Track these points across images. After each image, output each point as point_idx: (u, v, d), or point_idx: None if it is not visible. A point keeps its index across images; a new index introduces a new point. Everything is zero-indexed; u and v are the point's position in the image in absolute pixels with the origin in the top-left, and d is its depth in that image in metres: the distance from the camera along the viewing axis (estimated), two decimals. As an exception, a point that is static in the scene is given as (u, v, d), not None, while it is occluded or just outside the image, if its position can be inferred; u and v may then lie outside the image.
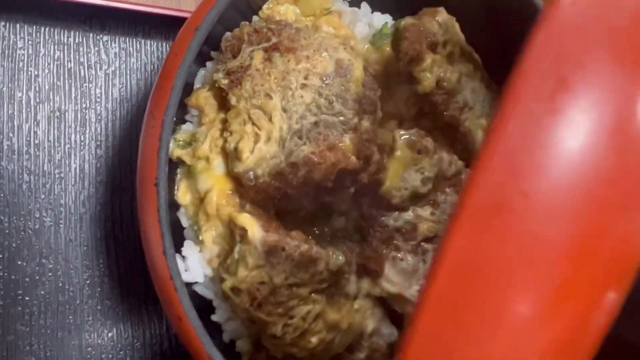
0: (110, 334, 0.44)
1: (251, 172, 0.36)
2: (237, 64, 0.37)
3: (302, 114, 0.36)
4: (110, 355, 0.44)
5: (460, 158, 0.43)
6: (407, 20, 0.42)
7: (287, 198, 0.36)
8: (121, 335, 0.44)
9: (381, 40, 0.43)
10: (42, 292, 0.42)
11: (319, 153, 0.35)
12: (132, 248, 0.44)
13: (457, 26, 0.44)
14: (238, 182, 0.37)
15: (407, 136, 0.40)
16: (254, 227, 0.35)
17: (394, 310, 0.42)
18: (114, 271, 0.44)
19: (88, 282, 0.43)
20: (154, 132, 0.31)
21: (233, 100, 0.37)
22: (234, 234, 0.36)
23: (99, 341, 0.44)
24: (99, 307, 0.43)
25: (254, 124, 0.36)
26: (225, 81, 0.37)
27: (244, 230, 0.35)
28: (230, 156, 0.36)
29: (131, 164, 0.45)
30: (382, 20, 0.43)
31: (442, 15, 0.42)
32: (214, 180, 0.37)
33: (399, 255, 0.39)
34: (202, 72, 0.39)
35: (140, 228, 0.32)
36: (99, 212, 0.44)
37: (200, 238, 0.37)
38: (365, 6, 0.43)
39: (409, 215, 0.40)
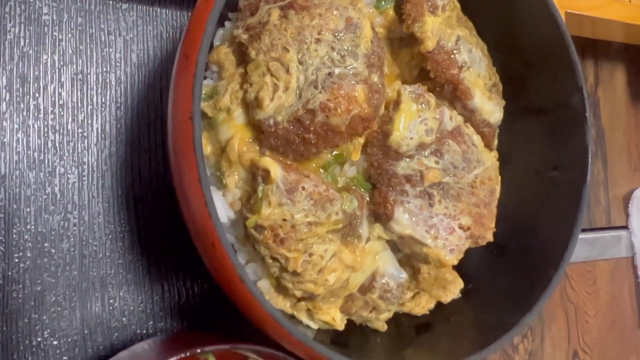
0: (131, 287, 0.46)
1: (271, 119, 0.39)
2: (256, 20, 0.39)
3: (317, 66, 0.39)
4: (131, 308, 0.46)
5: (459, 114, 0.47)
6: (410, -15, 0.45)
7: (305, 143, 0.39)
8: (141, 289, 0.46)
9: (385, 5, 0.46)
10: (67, 246, 0.44)
11: (334, 100, 0.38)
12: (150, 205, 0.47)
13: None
14: (258, 130, 0.39)
15: (410, 90, 0.43)
16: (275, 167, 0.38)
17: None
18: (134, 227, 0.46)
19: (110, 237, 0.45)
20: (188, 71, 0.33)
21: (252, 54, 0.39)
22: (256, 176, 0.39)
23: (121, 293, 0.45)
24: (120, 261, 0.45)
25: (272, 75, 0.39)
26: (245, 36, 0.39)
27: (266, 172, 0.38)
28: (251, 105, 0.39)
29: (149, 125, 0.47)
30: (385, -13, 0.47)
31: (441, -18, 0.46)
32: (234, 130, 0.40)
33: (407, 199, 0.42)
34: (220, 32, 0.42)
35: (172, 163, 0.35)
36: (119, 170, 0.46)
37: (224, 182, 0.39)
38: (369, -26, 0.46)
39: (415, 163, 0.42)
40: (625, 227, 0.75)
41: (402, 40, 0.47)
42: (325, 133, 0.39)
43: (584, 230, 0.72)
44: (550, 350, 0.69)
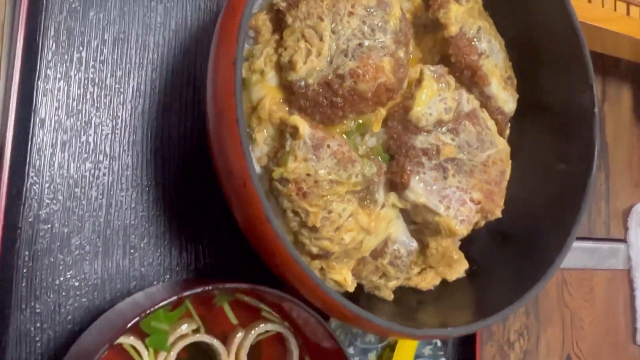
0: (152, 240, 0.48)
1: (303, 81, 0.41)
2: (296, -10, 0.42)
3: (349, 36, 0.42)
4: (150, 259, 0.47)
5: (476, 100, 0.49)
6: (437, -26, 0.48)
7: (332, 106, 0.41)
8: (161, 242, 0.48)
9: (413, -9, 0.49)
10: (95, 194, 0.46)
11: (362, 67, 0.41)
12: (175, 165, 0.49)
13: (477, -10, 0.51)
14: (289, 92, 0.42)
15: (433, 70, 0.46)
16: (304, 124, 0.40)
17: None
18: (159, 183, 0.48)
19: (136, 189, 0.47)
20: (234, 19, 0.36)
21: (289, 20, 0.42)
22: (284, 133, 0.41)
23: (142, 244, 0.47)
24: (144, 214, 0.47)
25: (306, 41, 0.41)
26: (284, 4, 0.42)
27: (294, 128, 0.40)
28: (285, 68, 0.42)
29: (181, 88, 0.50)
30: (414, -25, 0.50)
31: (466, -26, 0.49)
32: (266, 91, 0.42)
33: (423, 170, 0.44)
34: (259, 1, 0.45)
35: (211, 108, 0.37)
36: (150, 128, 0.48)
37: (253, 137, 0.41)
38: (400, -37, 0.49)
39: (432, 138, 0.45)
40: (624, 240, 0.77)
41: (426, 27, 0.50)
42: (352, 98, 0.41)
43: (584, 239, 0.75)
44: (544, 351, 0.71)
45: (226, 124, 0.35)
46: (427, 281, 0.50)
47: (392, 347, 0.55)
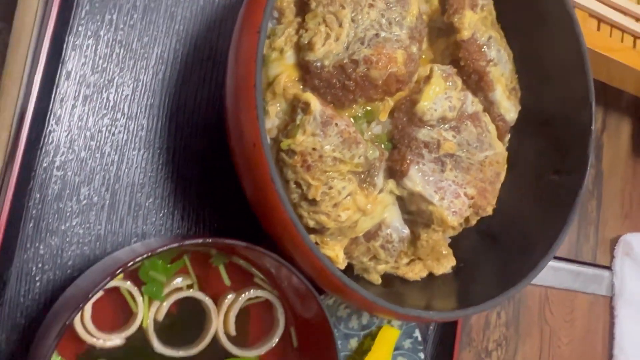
0: (157, 201, 0.50)
1: (319, 62, 0.43)
2: (321, -22, 0.45)
3: (367, 26, 0.44)
4: (153, 219, 0.49)
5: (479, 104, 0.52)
6: (457, -19, 0.51)
7: (344, 89, 0.44)
8: (165, 204, 0.50)
9: (432, -5, 0.51)
10: (109, 149, 0.48)
11: (376, 55, 0.43)
12: (188, 134, 0.51)
13: (492, 1, 0.54)
14: (305, 71, 0.44)
15: (442, 69, 0.48)
16: (315, 101, 0.43)
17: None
18: (170, 148, 0.50)
19: (148, 150, 0.49)
20: (263, -6, 0.38)
21: (313, 5, 0.44)
22: (296, 109, 0.43)
23: (147, 203, 0.49)
24: (152, 174, 0.50)
25: (327, 25, 0.44)
26: (310, -11, 0.45)
27: (306, 104, 0.43)
28: (303, 48, 0.44)
29: (202, 62, 0.52)
30: (435, -20, 0.52)
31: (484, -16, 0.52)
32: (284, 68, 0.45)
33: (423, 161, 0.47)
34: (286, -15, 0.48)
35: (231, 71, 0.39)
36: (168, 95, 0.51)
37: (266, 109, 0.44)
38: (422, -33, 0.52)
39: (434, 133, 0.47)
40: (609, 268, 0.79)
41: (440, 31, 0.52)
42: (363, 83, 0.44)
43: (570, 261, 0.77)
44: (520, 364, 0.72)
45: (244, 88, 0.37)
46: (415, 272, 0.52)
47: (373, 336, 0.57)
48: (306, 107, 0.43)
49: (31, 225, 0.46)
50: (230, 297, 0.45)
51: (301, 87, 0.45)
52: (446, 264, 0.52)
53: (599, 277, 0.79)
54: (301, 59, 0.44)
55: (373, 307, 0.42)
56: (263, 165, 0.37)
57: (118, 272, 0.36)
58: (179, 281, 0.43)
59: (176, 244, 0.38)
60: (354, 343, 0.57)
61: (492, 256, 0.54)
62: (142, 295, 0.42)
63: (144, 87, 0.50)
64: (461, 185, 0.47)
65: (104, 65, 0.48)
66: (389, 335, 0.57)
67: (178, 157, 0.51)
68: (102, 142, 0.48)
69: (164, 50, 0.51)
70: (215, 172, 0.52)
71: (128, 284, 0.41)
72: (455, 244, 0.54)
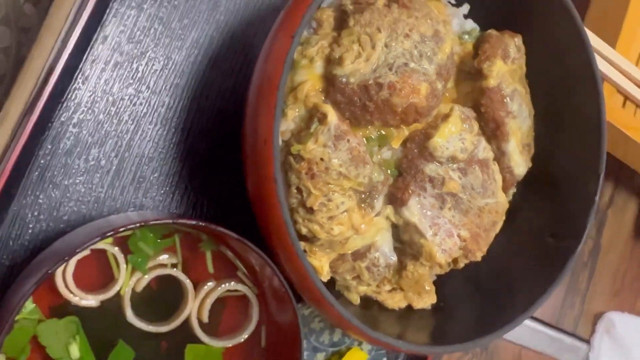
0: (161, 177, 0.50)
1: (345, 78, 0.44)
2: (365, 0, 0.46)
3: (398, 54, 0.45)
4: (154, 193, 0.50)
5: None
6: (493, 31, 0.52)
7: (363, 109, 0.45)
8: (168, 182, 0.51)
9: (467, 39, 0.52)
10: (127, 117, 0.49)
11: (401, 83, 0.44)
12: (206, 119, 0.52)
13: (524, 57, 0.55)
14: (329, 84, 0.45)
15: (462, 110, 0.49)
16: (333, 114, 0.44)
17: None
18: (186, 129, 0.51)
19: (164, 127, 0.50)
20: (305, 2, 0.39)
21: (351, 23, 0.46)
22: (313, 117, 0.44)
23: (151, 177, 0.50)
24: (162, 150, 0.50)
25: (360, 45, 0.45)
26: (351, 7, 0.46)
27: (323, 115, 0.44)
28: (333, 62, 0.45)
29: (234, 54, 0.53)
30: (472, 26, 0.53)
31: (519, 40, 0.53)
32: (310, 76, 0.46)
33: (424, 194, 0.47)
34: (330, 0, 0.49)
35: (260, 70, 0.40)
36: (195, 78, 0.52)
37: (285, 111, 0.45)
38: (463, 9, 0.53)
39: (442, 170, 0.48)
40: (587, 341, 0.79)
41: (468, 74, 0.53)
42: (383, 107, 0.45)
43: (550, 326, 0.77)
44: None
45: (268, 86, 0.38)
46: (395, 301, 0.52)
47: (341, 355, 0.58)
48: (323, 118, 0.44)
49: (36, 173, 0.47)
50: (210, 284, 0.46)
51: (323, 98, 0.46)
52: (427, 300, 0.53)
53: (575, 348, 0.79)
54: (328, 71, 0.45)
55: (346, 324, 0.43)
56: (269, 162, 0.38)
57: (110, 234, 0.36)
58: (164, 258, 0.44)
59: (170, 221, 0.38)
60: (320, 357, 0.57)
61: (473, 302, 0.54)
62: (127, 263, 0.43)
63: (174, 66, 0.51)
64: (456, 226, 0.48)
65: (140, 38, 0.50)
66: (358, 357, 0.57)
67: (191, 140, 0.52)
68: (122, 109, 0.49)
69: (200, 35, 0.52)
70: (223, 164, 0.53)
71: (116, 250, 0.42)
72: (439, 282, 0.54)
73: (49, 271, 0.35)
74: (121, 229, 0.37)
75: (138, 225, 0.37)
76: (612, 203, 0.82)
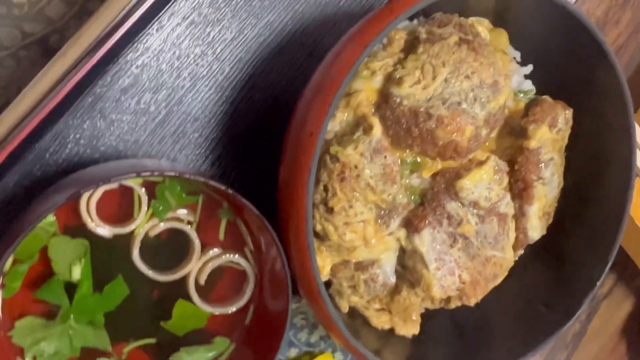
0: (200, 140, 0.53)
1: (399, 98, 0.46)
2: (439, 32, 0.48)
3: (454, 92, 0.47)
4: (188, 152, 0.52)
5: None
6: (548, 98, 0.54)
7: (406, 132, 0.46)
8: (204, 146, 0.53)
9: (522, 97, 0.54)
10: (186, 74, 0.52)
11: (449, 119, 0.46)
12: (257, 99, 0.54)
13: (570, 131, 0.56)
14: (383, 99, 0.47)
15: (498, 162, 0.51)
16: (378, 128, 0.46)
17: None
18: (236, 102, 0.53)
19: (217, 94, 0.53)
20: (386, 19, 0.41)
21: (420, 50, 0.47)
22: (359, 126, 0.46)
23: (190, 136, 0.52)
24: (208, 115, 0.53)
25: (422, 73, 0.47)
26: (424, 36, 0.48)
27: (370, 127, 0.46)
28: (392, 80, 0.47)
29: (301, 46, 0.55)
30: (530, 87, 0.55)
31: (570, 113, 0.54)
32: (367, 87, 0.48)
33: (439, 229, 0.49)
34: (407, 23, 0.51)
35: (323, 68, 0.43)
36: (260, 58, 0.54)
37: (335, 113, 0.47)
38: (526, 69, 0.55)
39: (462, 211, 0.49)
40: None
41: (512, 130, 0.54)
42: (426, 136, 0.46)
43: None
44: None
45: (329, 88, 0.40)
46: (380, 320, 0.53)
47: (312, 356, 0.59)
48: (368, 129, 0.45)
49: (90, 100, 0.49)
50: (216, 250, 0.47)
51: (373, 110, 0.48)
52: (410, 329, 0.54)
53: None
54: (386, 88, 0.47)
55: (331, 325, 0.44)
56: (310, 153, 0.40)
57: (146, 174, 0.38)
58: (183, 212, 0.46)
59: (203, 179, 0.40)
60: (293, 353, 0.58)
61: (450, 346, 0.56)
62: (149, 207, 0.44)
63: (243, 40, 0.53)
64: (460, 267, 0.49)
65: (221, 5, 0.52)
66: (328, 364, 0.59)
67: (237, 114, 0.54)
68: (184, 65, 0.52)
69: (275, 20, 0.54)
70: (256, 148, 0.55)
71: (142, 191, 0.44)
72: (426, 315, 0.56)
73: (81, 191, 0.37)
74: (156, 173, 0.39)
75: (173, 174, 0.39)
76: (609, 295, 0.83)
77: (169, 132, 0.52)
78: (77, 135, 0.49)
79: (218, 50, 0.53)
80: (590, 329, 0.85)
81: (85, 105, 0.49)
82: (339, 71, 0.40)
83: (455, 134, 0.46)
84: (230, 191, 0.41)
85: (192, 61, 0.52)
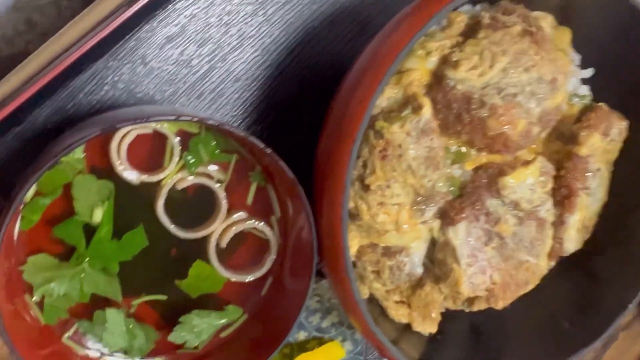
0: (238, 101, 0.51)
1: (453, 81, 0.44)
2: (503, 19, 0.46)
3: (512, 83, 0.45)
4: (225, 111, 0.50)
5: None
6: (605, 105, 0.51)
7: (456, 117, 0.44)
8: (241, 107, 0.51)
9: (577, 101, 0.52)
10: (234, 32, 0.50)
11: (503, 109, 0.44)
12: (303, 67, 0.52)
13: (621, 144, 0.54)
14: (436, 81, 0.45)
15: (545, 164, 0.48)
16: (429, 108, 0.43)
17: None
18: (280, 67, 0.51)
19: (262, 57, 0.51)
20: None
21: (481, 35, 0.45)
22: (407, 104, 0.44)
23: (229, 95, 0.50)
24: (250, 77, 0.51)
25: (481, 58, 0.45)
26: (487, 21, 0.46)
27: (419, 106, 0.44)
28: (448, 63, 0.45)
29: (355, 21, 0.53)
30: (586, 92, 0.53)
31: (625, 125, 0.52)
32: (421, 67, 0.46)
33: (475, 224, 0.47)
34: (470, 7, 0.49)
35: (370, 50, 0.41)
36: (310, 28, 0.52)
37: (384, 88, 0.45)
38: (585, 73, 0.52)
39: (501, 209, 0.47)
40: None
41: (562, 134, 0.52)
42: (476, 124, 0.44)
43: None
44: None
45: (381, 64, 0.39)
46: (397, 313, 0.51)
47: (320, 343, 0.57)
48: (418, 109, 0.43)
49: (132, 44, 0.48)
50: (242, 214, 0.46)
51: (424, 91, 0.46)
52: (427, 327, 0.52)
53: None
54: (440, 70, 0.45)
55: (353, 306, 0.42)
56: (357, 121, 0.38)
57: (185, 118, 0.37)
58: (214, 170, 0.44)
59: (242, 134, 0.38)
60: (302, 335, 0.56)
61: (466, 348, 0.53)
62: (180, 159, 0.43)
63: (297, 6, 0.52)
64: (492, 267, 0.47)
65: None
66: (334, 351, 0.57)
67: (279, 80, 0.52)
68: (233, 22, 0.50)
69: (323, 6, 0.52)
70: (294, 121, 0.53)
71: (176, 140, 0.42)
72: (446, 316, 0.53)
73: (118, 125, 0.35)
74: (196, 119, 0.37)
75: (214, 123, 0.37)
76: (629, 328, 0.80)
77: (208, 89, 0.50)
78: (116, 79, 0.48)
79: (270, 11, 0.51)
80: (604, 358, 0.83)
81: (127, 48, 0.48)
82: (390, 49, 0.38)
83: (507, 126, 0.44)
84: (268, 150, 0.39)
85: (241, 19, 0.50)
